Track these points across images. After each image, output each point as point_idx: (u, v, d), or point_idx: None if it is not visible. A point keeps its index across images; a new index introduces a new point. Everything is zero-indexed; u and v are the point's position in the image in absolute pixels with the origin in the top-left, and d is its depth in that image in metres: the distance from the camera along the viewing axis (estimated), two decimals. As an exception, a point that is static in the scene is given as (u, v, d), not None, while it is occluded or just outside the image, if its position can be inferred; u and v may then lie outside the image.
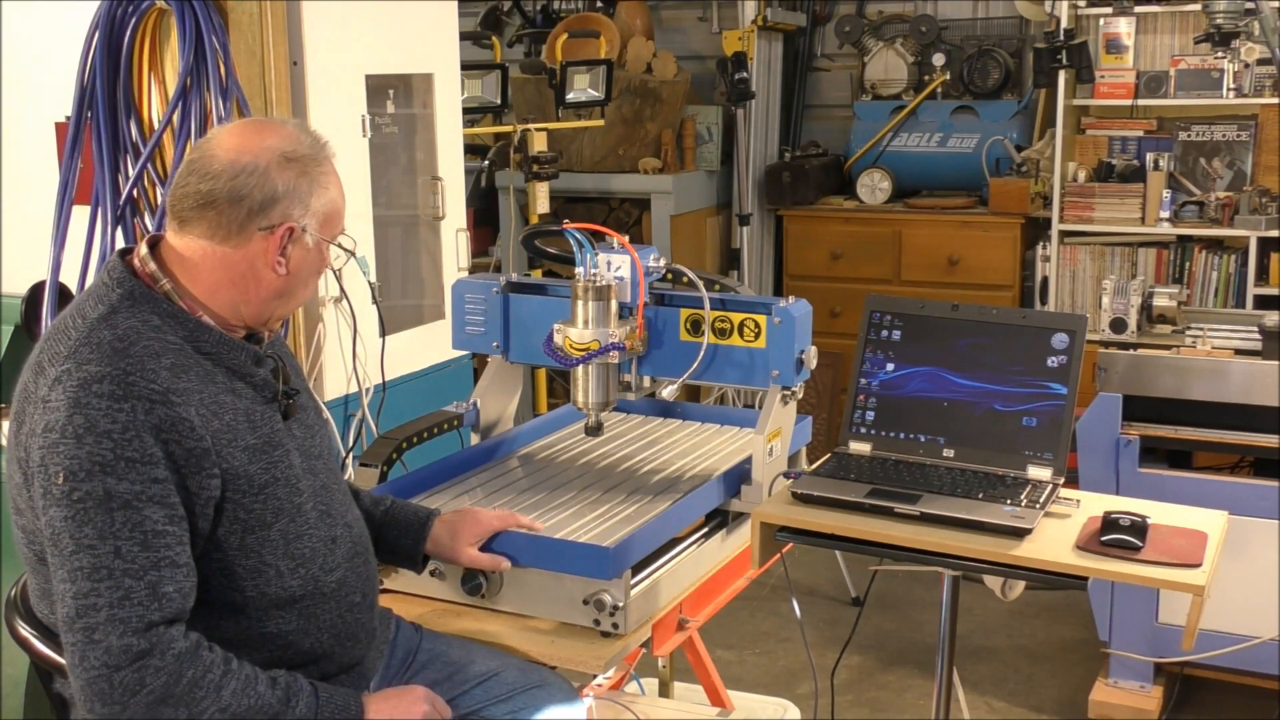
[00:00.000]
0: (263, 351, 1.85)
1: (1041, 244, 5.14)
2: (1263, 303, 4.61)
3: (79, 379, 1.64)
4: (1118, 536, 1.97)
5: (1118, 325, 3.38)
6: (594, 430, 2.39)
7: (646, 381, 2.40)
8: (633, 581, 2.03)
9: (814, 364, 2.34)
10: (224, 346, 1.78)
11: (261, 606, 1.76)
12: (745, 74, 5.09)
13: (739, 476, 2.32)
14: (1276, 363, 3.15)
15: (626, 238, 2.30)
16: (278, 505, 1.76)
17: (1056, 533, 2.02)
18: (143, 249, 1.81)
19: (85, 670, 1.61)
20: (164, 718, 1.62)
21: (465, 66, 3.70)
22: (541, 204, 4.26)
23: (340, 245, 1.89)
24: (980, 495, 2.08)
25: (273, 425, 1.81)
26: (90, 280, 2.72)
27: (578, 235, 2.26)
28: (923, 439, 2.23)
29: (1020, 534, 1.99)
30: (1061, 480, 2.14)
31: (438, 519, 2.07)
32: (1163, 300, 3.51)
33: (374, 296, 2.88)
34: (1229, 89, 4.84)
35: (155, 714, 1.61)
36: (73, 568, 1.62)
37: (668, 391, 2.39)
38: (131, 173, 2.71)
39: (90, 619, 1.60)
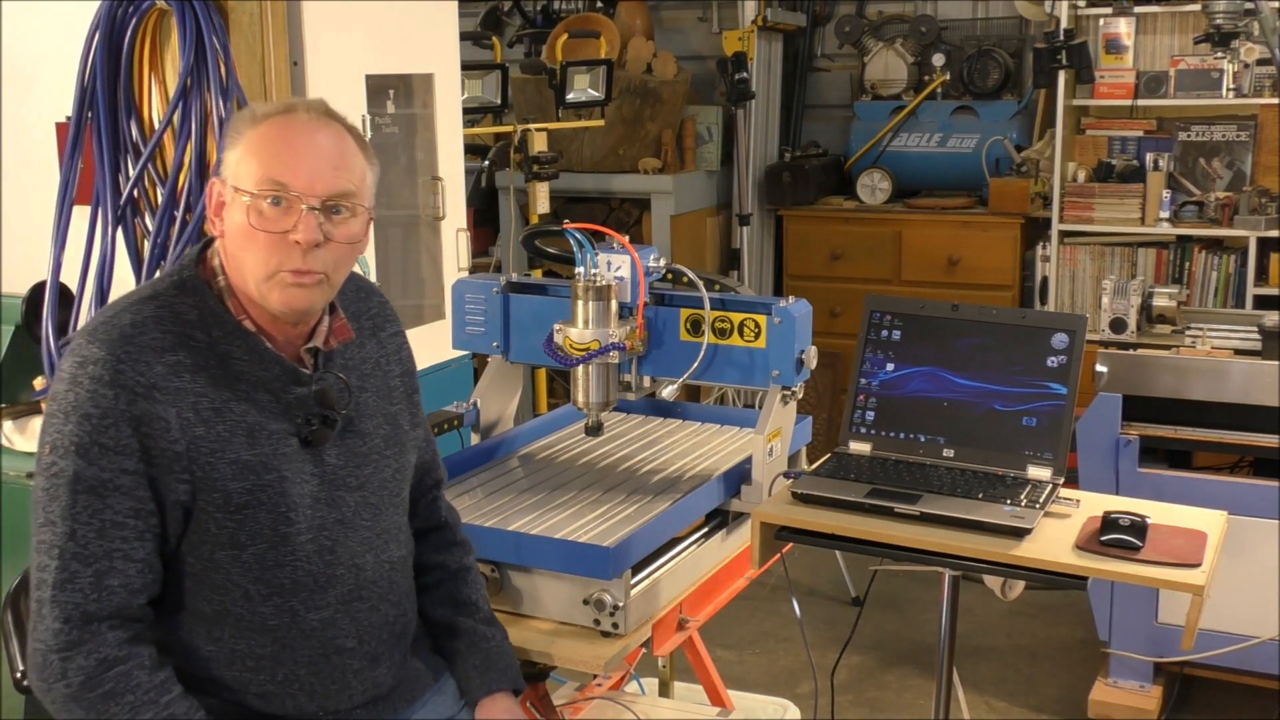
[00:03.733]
0: (314, 373, 1.76)
1: (1041, 244, 5.13)
2: (1262, 303, 4.61)
3: (81, 357, 1.64)
4: (1117, 536, 1.97)
5: (1118, 325, 3.38)
6: (594, 430, 2.39)
7: (646, 381, 2.40)
8: (633, 581, 2.03)
9: (814, 364, 2.34)
10: (254, 355, 1.70)
11: (234, 624, 1.71)
12: (745, 74, 5.09)
13: (739, 476, 2.33)
14: (1276, 363, 3.15)
15: (626, 238, 2.30)
16: (255, 529, 1.68)
17: (1056, 533, 2.02)
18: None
19: (33, 640, 1.63)
20: (75, 717, 1.62)
21: (465, 66, 3.70)
22: (541, 204, 4.26)
23: (263, 195, 1.66)
24: (980, 495, 2.08)
25: (279, 446, 1.71)
26: (91, 281, 2.72)
27: (578, 235, 2.26)
28: (923, 439, 2.23)
29: (1020, 534, 1.99)
30: (1061, 480, 2.14)
31: (501, 695, 1.94)
32: (1162, 300, 3.51)
33: (374, 296, 2.89)
34: (1229, 89, 4.84)
35: (69, 710, 1.62)
36: (37, 540, 1.64)
37: (668, 391, 2.39)
38: (132, 173, 2.70)
39: (40, 594, 1.62)
